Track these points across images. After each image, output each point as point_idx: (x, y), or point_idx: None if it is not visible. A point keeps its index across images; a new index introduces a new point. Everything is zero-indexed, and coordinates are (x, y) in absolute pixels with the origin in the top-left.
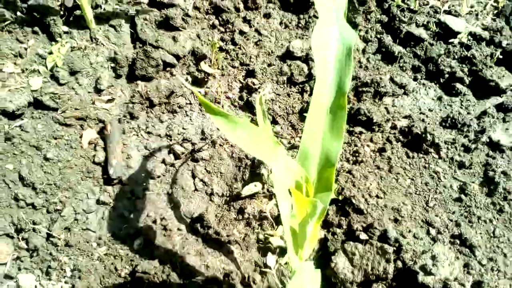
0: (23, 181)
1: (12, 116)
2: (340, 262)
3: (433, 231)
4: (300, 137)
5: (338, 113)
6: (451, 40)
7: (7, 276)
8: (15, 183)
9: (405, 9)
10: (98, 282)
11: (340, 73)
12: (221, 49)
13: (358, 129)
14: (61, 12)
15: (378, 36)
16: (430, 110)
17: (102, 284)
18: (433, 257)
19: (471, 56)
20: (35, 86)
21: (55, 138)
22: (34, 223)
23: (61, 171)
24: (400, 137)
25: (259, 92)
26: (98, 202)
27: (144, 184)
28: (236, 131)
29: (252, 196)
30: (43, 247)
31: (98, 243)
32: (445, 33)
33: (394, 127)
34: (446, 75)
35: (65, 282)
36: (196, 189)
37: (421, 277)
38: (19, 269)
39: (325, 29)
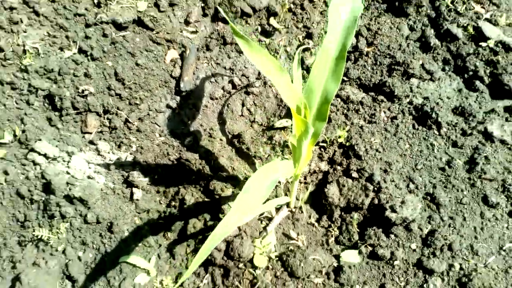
0: (116, 76)
1: (119, 27)
2: (332, 190)
3: (412, 186)
4: None
5: (340, 63)
6: (482, 44)
7: (91, 142)
8: (110, 76)
9: (452, 9)
10: (153, 159)
11: (346, 34)
12: (290, 10)
13: (380, 97)
14: None
15: (423, 27)
16: (448, 98)
17: (156, 161)
18: (403, 202)
19: (496, 60)
20: (141, 8)
21: (147, 51)
22: (117, 109)
23: (146, 76)
24: (413, 111)
25: (312, 52)
26: (167, 106)
27: (204, 101)
28: (252, 51)
29: (282, 129)
30: (120, 127)
31: (160, 134)
32: (479, 37)
33: (410, 102)
34: (470, 72)
35: (130, 154)
36: (242, 115)
37: (387, 212)
38: (100, 139)
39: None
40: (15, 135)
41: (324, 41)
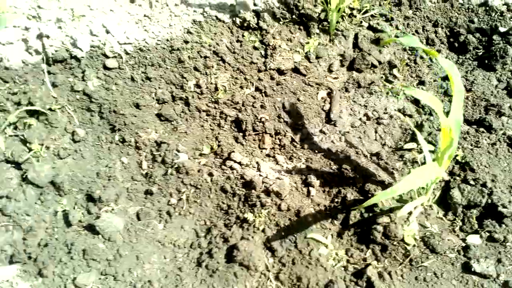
0: (284, 108)
1: (281, 72)
2: (455, 193)
3: None
4: None
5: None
6: None
7: (268, 155)
8: (279, 108)
9: None
10: (319, 167)
11: (460, 84)
12: (407, 64)
13: (481, 129)
14: (317, 21)
15: (508, 79)
16: None
17: (321, 169)
18: (509, 201)
19: None
20: (296, 59)
21: (303, 90)
22: (285, 132)
23: (304, 108)
24: (507, 140)
25: None
26: (320, 131)
27: (347, 128)
28: (417, 93)
29: (409, 150)
30: (288, 145)
31: (317, 151)
32: None
33: (504, 133)
34: None
35: (302, 164)
36: (375, 139)
37: (500, 208)
38: (273, 153)
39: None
40: (211, 148)
41: (454, 92)
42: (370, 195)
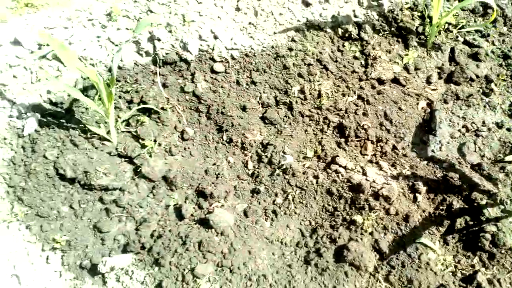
0: (386, 116)
1: (381, 82)
2: None
3: None
4: None
5: None
6: None
7: (370, 161)
8: (381, 116)
9: None
10: (424, 175)
11: None
12: (503, 79)
13: None
14: (415, 34)
15: None
16: None
17: (426, 176)
18: None
19: None
20: (396, 70)
21: (404, 100)
22: (387, 139)
23: (406, 118)
24: None
25: None
26: (421, 140)
27: (447, 139)
28: None
29: (509, 162)
30: (389, 153)
31: (420, 159)
32: None
33: None
34: None
35: (407, 170)
36: (475, 150)
37: None
38: (376, 159)
39: None
40: (315, 152)
41: None
42: (475, 204)
